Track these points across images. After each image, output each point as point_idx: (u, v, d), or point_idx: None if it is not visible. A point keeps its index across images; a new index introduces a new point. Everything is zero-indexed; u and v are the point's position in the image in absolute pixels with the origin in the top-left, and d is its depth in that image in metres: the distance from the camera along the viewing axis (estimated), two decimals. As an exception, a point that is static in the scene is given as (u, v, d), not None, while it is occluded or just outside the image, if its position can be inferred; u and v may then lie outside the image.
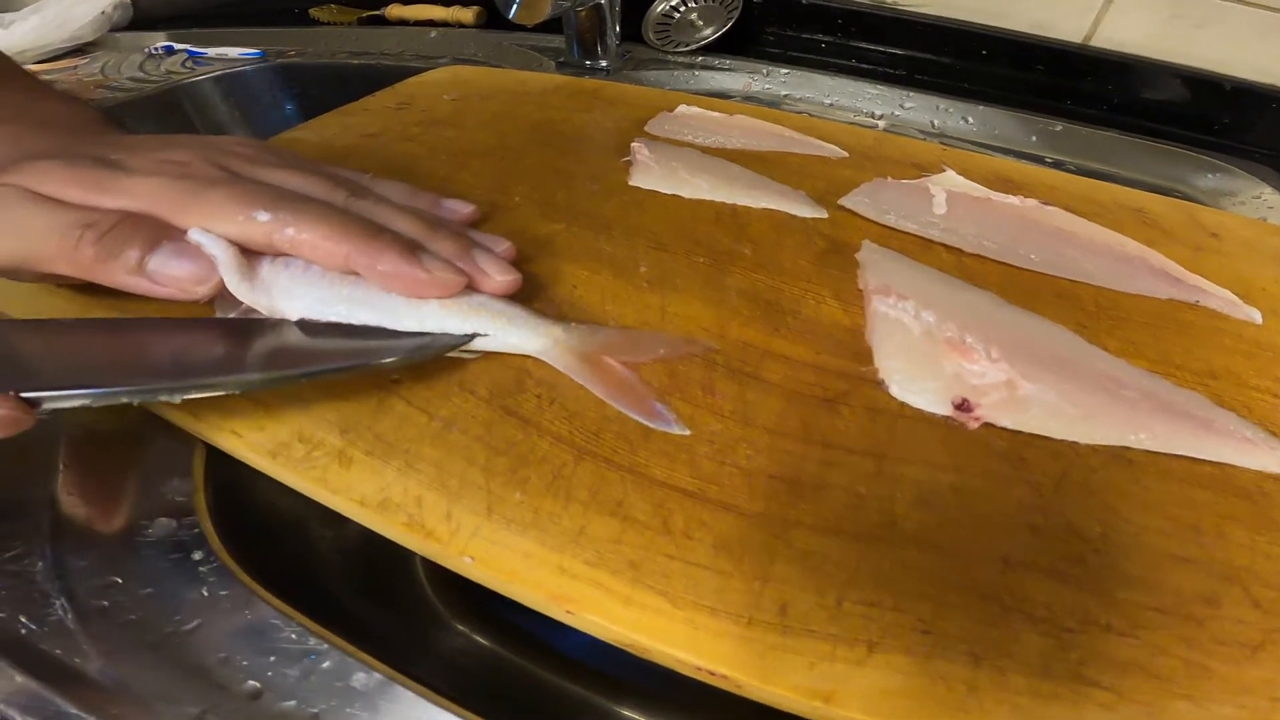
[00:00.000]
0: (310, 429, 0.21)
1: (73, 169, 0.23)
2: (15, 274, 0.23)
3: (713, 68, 0.56)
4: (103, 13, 0.63)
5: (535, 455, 0.21)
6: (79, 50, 0.61)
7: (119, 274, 0.22)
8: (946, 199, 0.31)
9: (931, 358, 0.24)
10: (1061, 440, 0.21)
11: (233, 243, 0.22)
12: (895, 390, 0.23)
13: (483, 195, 0.33)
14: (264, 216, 0.22)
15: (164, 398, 0.20)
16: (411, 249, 0.23)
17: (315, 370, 0.21)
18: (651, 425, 0.22)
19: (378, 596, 0.29)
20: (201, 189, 0.23)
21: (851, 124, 0.49)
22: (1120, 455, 0.21)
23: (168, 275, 0.22)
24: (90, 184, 0.22)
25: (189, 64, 0.60)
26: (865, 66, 0.56)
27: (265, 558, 0.25)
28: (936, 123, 0.50)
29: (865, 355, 0.24)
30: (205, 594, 0.22)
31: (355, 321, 0.23)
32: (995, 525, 0.19)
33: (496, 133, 0.39)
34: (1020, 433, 0.22)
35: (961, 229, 0.30)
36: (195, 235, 0.22)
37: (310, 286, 0.23)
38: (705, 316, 0.26)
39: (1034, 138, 0.49)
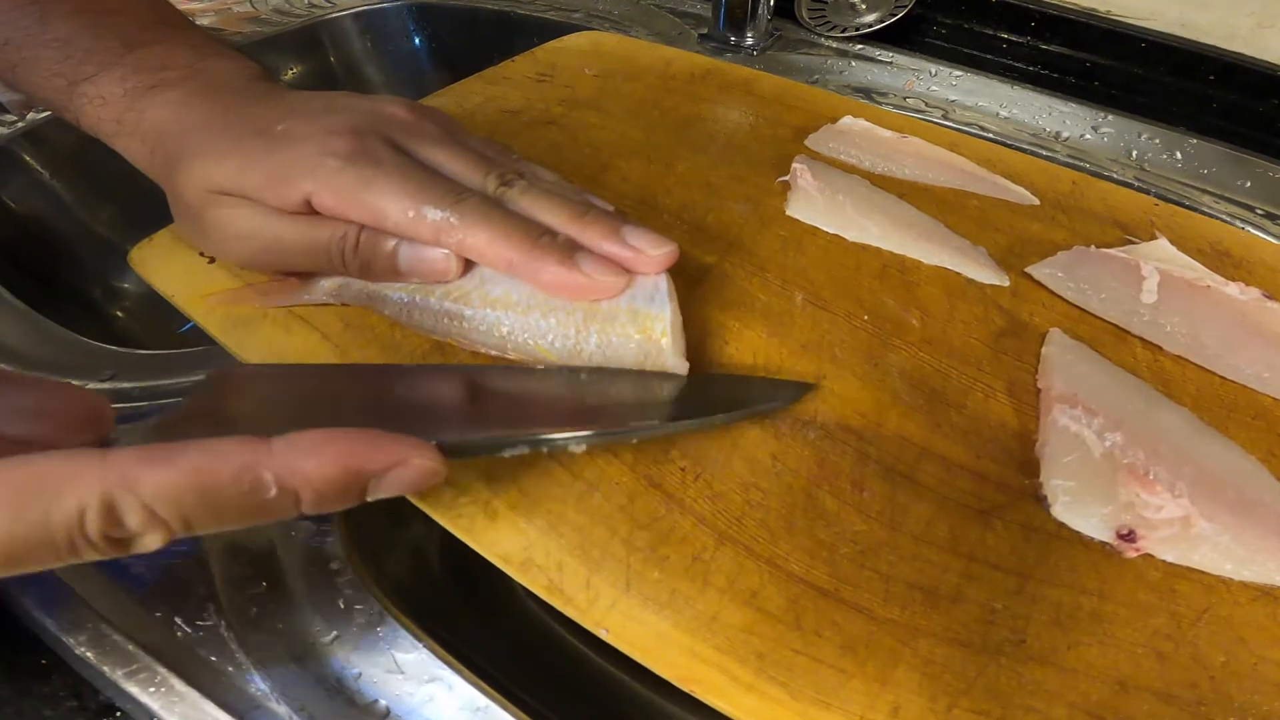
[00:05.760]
0: (456, 471, 0.21)
1: (251, 168, 0.23)
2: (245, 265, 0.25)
3: (871, 59, 0.50)
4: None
5: (676, 535, 0.20)
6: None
7: (381, 276, 0.24)
8: (1159, 284, 0.27)
9: (1108, 483, 0.21)
10: (1217, 575, 0.20)
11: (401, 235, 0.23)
12: (1057, 510, 0.21)
13: (630, 207, 0.31)
14: (434, 215, 0.22)
15: (574, 449, 0.20)
16: (569, 253, 0.22)
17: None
18: None
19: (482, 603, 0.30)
20: (370, 177, 0.23)
21: (1034, 149, 0.43)
22: (1269, 593, 0.20)
23: (422, 266, 0.23)
24: (276, 180, 0.23)
25: None
26: (1054, 75, 0.49)
27: (392, 560, 0.26)
28: (1135, 154, 0.43)
29: (1031, 467, 0.23)
30: (342, 606, 0.23)
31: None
32: (1123, 649, 0.19)
33: (643, 126, 0.37)
34: (1177, 565, 0.20)
35: (1170, 324, 0.26)
36: None
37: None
38: (863, 399, 0.24)
39: (1247, 183, 0.42)
